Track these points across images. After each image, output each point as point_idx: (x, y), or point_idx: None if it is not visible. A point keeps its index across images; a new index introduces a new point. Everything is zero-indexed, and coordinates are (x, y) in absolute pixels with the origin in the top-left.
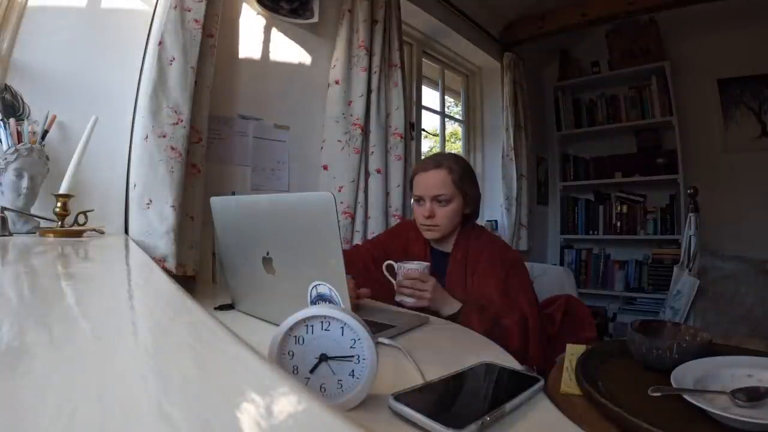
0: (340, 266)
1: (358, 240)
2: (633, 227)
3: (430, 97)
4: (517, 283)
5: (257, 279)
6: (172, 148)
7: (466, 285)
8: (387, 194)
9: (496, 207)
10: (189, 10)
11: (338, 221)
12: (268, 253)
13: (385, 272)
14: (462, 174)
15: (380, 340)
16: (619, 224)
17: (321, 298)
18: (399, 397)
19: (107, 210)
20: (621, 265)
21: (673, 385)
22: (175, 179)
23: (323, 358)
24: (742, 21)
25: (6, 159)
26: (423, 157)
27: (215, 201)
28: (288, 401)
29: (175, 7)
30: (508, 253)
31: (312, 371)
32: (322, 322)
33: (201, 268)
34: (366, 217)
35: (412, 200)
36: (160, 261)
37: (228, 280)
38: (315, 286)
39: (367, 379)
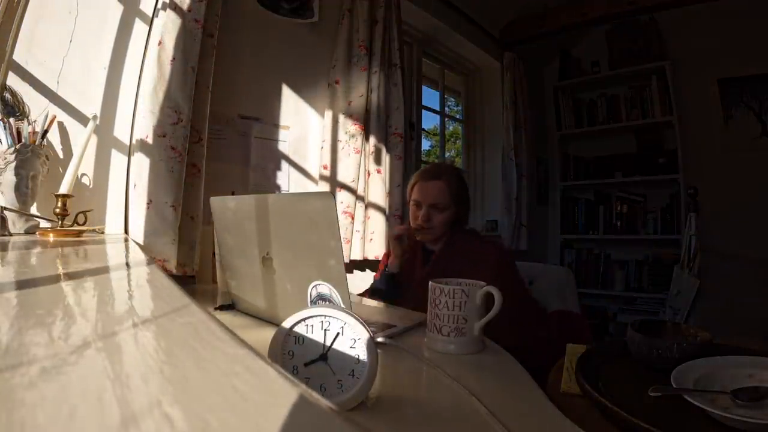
0: (340, 266)
1: (357, 240)
2: (633, 227)
3: (430, 97)
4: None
5: (257, 279)
6: (172, 148)
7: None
8: (387, 194)
9: (496, 207)
10: (189, 10)
11: (338, 221)
12: (268, 253)
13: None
14: (458, 187)
15: (380, 339)
16: (619, 224)
17: (321, 298)
18: None
19: (107, 210)
20: (621, 265)
21: (674, 385)
22: (175, 179)
23: (323, 357)
24: (742, 20)
25: (6, 159)
26: (423, 166)
27: (215, 201)
28: (288, 401)
29: (175, 7)
30: (491, 255)
31: (312, 371)
32: (322, 321)
33: (201, 268)
34: (366, 217)
35: (410, 203)
36: (160, 261)
37: (228, 280)
38: (315, 286)
39: (367, 378)
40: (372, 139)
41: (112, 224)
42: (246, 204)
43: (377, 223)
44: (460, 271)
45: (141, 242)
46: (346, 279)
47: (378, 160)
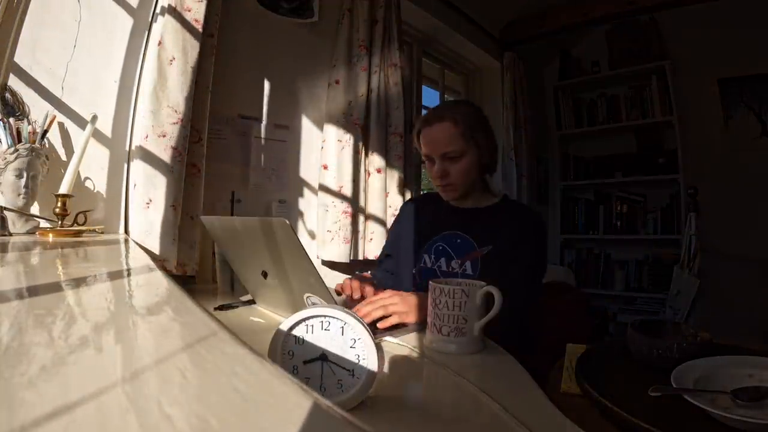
0: (319, 282)
1: (357, 240)
2: (633, 227)
3: (430, 97)
4: (532, 273)
5: (261, 287)
6: (173, 148)
7: (496, 244)
8: (387, 194)
9: None
10: (189, 10)
11: (300, 244)
12: (264, 272)
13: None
14: (470, 123)
15: (380, 339)
16: (619, 224)
17: None
18: None
19: (107, 210)
20: (621, 265)
21: (674, 385)
22: (175, 179)
23: (323, 357)
24: (742, 20)
25: (6, 159)
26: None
27: (206, 220)
28: (288, 401)
29: (175, 7)
30: (539, 228)
31: (312, 371)
32: (322, 321)
33: (201, 268)
34: (366, 217)
35: (423, 159)
36: (160, 261)
37: (242, 282)
38: (308, 297)
39: (367, 378)
40: (372, 139)
41: (112, 224)
42: (230, 224)
43: (377, 224)
44: (507, 230)
45: (141, 242)
46: (332, 294)
47: (378, 161)
